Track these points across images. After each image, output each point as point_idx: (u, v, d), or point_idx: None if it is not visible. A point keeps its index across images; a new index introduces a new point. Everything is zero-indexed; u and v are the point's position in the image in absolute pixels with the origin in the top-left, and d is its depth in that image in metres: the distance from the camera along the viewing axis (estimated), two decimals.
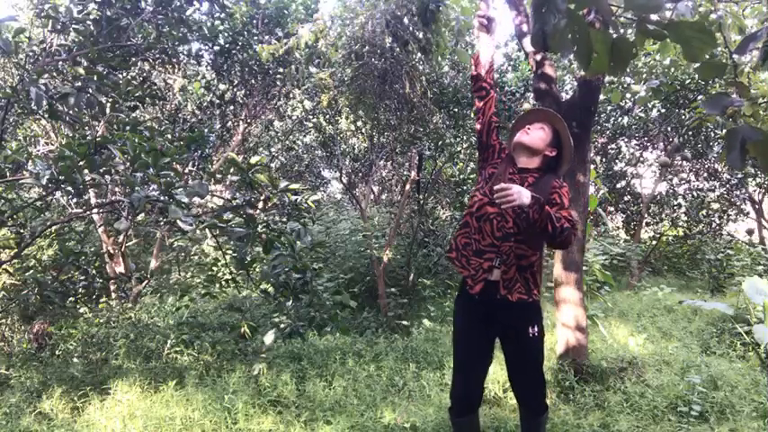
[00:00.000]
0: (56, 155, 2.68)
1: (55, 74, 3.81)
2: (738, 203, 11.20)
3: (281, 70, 6.90)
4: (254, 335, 4.91)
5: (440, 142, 6.82)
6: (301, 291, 3.36)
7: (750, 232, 11.52)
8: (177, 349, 4.67)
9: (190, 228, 2.57)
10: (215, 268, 5.45)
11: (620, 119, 9.96)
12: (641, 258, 9.63)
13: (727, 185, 10.71)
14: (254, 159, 2.89)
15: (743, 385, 3.72)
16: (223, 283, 4.43)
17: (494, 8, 2.70)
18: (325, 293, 5.01)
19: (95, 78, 3.13)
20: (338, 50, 5.10)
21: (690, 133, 9.27)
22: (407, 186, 7.31)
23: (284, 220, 3.26)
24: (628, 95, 8.18)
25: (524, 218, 2.16)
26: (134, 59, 4.60)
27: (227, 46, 6.41)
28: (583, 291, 3.98)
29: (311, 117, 8.49)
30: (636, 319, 6.25)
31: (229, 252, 4.01)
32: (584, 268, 5.34)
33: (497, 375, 3.81)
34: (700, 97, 7.09)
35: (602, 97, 6.54)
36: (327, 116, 7.66)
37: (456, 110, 6.54)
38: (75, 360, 4.52)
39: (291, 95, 7.91)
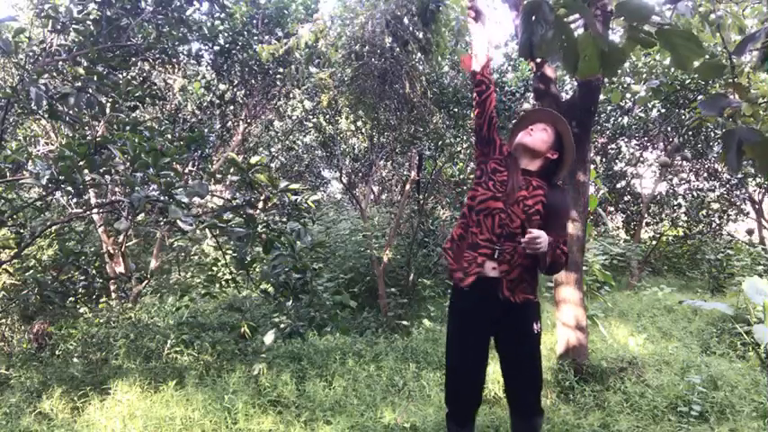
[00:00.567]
0: (56, 155, 2.69)
1: (55, 74, 3.81)
2: (738, 203, 11.20)
3: (281, 70, 6.90)
4: (254, 335, 4.91)
5: (440, 142, 6.82)
6: (301, 291, 3.36)
7: (750, 232, 11.52)
8: (177, 349, 4.67)
9: (190, 228, 2.57)
10: (215, 268, 5.45)
11: (620, 119, 9.97)
12: (641, 258, 9.63)
13: (727, 185, 10.71)
14: (254, 159, 2.89)
15: (743, 385, 3.72)
16: (223, 283, 4.43)
17: (487, 5, 2.66)
18: (326, 293, 5.01)
19: (95, 78, 3.12)
20: (338, 50, 5.10)
21: (690, 133, 9.27)
22: (407, 186, 7.31)
23: (284, 220, 3.26)
24: (628, 95, 8.18)
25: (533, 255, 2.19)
26: (134, 59, 4.60)
27: (227, 46, 6.41)
28: (583, 291, 3.98)
29: (311, 117, 8.50)
30: (636, 319, 6.25)
31: (229, 252, 4.01)
32: (584, 268, 5.34)
33: (497, 375, 3.81)
34: (700, 97, 7.09)
35: (602, 97, 6.55)
36: (327, 116, 7.67)
37: (456, 110, 6.54)
38: (75, 360, 4.52)
39: (291, 95, 7.92)
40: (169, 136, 5.70)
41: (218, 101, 7.35)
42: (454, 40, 5.29)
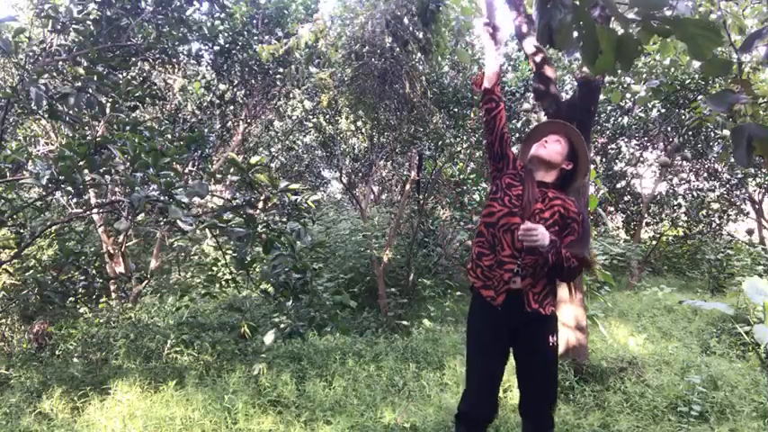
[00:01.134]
0: (56, 155, 2.69)
1: (55, 74, 3.81)
2: (738, 203, 11.20)
3: (281, 70, 6.90)
4: (254, 335, 4.91)
5: (440, 142, 6.82)
6: (301, 291, 3.36)
7: (750, 232, 11.52)
8: (177, 349, 4.67)
9: (190, 228, 2.57)
10: (215, 268, 5.45)
11: (620, 119, 9.96)
12: (641, 258, 9.63)
13: (727, 185, 10.71)
14: (254, 159, 2.89)
15: (743, 385, 3.72)
16: (223, 283, 4.42)
17: (497, 14, 2.65)
18: (326, 293, 5.01)
19: (95, 78, 3.12)
20: (338, 50, 5.10)
21: (690, 133, 9.27)
22: (407, 186, 7.31)
23: (284, 220, 3.26)
24: (628, 95, 8.18)
25: (538, 253, 2.19)
26: (134, 59, 4.60)
27: (227, 46, 6.41)
28: (583, 291, 3.98)
29: (311, 117, 8.49)
30: (636, 319, 6.25)
31: (229, 252, 4.00)
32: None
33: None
34: (700, 97, 7.09)
35: (602, 97, 6.55)
36: (327, 116, 7.67)
37: (456, 110, 6.54)
38: (75, 360, 4.52)
39: (291, 95, 7.92)
40: (169, 136, 5.70)
41: (218, 101, 7.34)
42: (454, 40, 5.29)
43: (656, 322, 6.01)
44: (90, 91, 3.09)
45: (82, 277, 3.79)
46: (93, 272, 3.88)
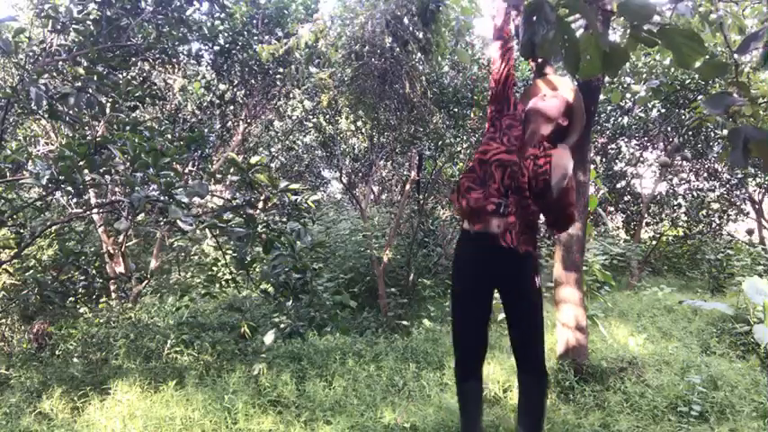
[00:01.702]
0: (56, 155, 2.69)
1: (55, 74, 3.81)
2: (738, 203, 11.20)
3: (281, 70, 6.90)
4: (254, 335, 4.91)
5: (440, 142, 6.83)
6: (301, 291, 3.37)
7: (750, 232, 11.52)
8: (177, 349, 4.67)
9: (190, 228, 2.57)
10: (215, 268, 5.45)
11: (620, 119, 9.96)
12: (641, 258, 9.63)
13: (727, 185, 10.71)
14: (254, 159, 2.89)
15: (743, 385, 3.72)
16: (223, 283, 4.43)
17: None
18: (326, 293, 5.01)
19: (95, 78, 3.12)
20: (338, 50, 5.10)
21: (690, 133, 9.27)
22: (407, 186, 7.31)
23: (284, 220, 3.26)
24: (628, 95, 8.19)
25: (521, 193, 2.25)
26: (134, 59, 4.60)
27: (227, 46, 6.41)
28: (583, 291, 3.98)
29: (311, 117, 8.49)
30: (636, 319, 6.24)
31: (229, 252, 4.01)
32: (584, 268, 5.34)
33: (497, 375, 3.81)
34: (700, 97, 7.09)
35: (602, 97, 6.55)
36: (327, 116, 7.67)
37: (456, 110, 6.54)
38: (75, 360, 4.52)
39: (291, 95, 7.91)
40: (169, 136, 5.70)
41: (218, 101, 7.34)
42: (454, 40, 5.29)
43: (656, 322, 6.01)
44: (90, 91, 3.09)
45: (82, 277, 3.79)
46: (93, 272, 3.88)
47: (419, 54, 5.10)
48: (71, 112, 3.22)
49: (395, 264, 7.62)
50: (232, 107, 7.51)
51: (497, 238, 2.29)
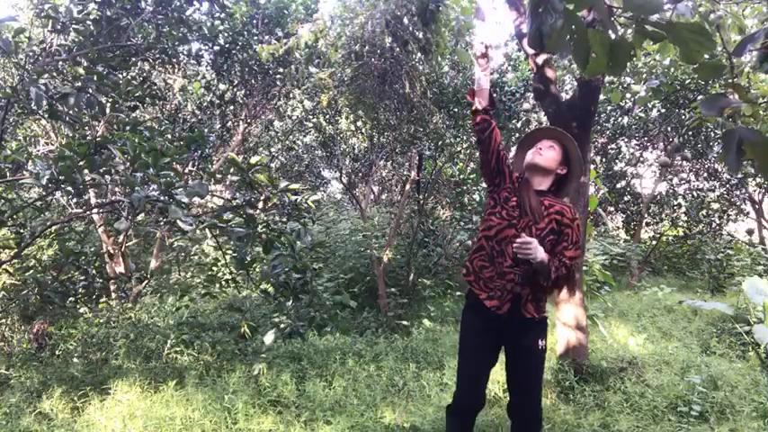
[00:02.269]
0: (56, 155, 2.68)
1: (55, 74, 3.81)
2: (738, 203, 11.19)
3: (281, 70, 6.90)
4: (254, 335, 4.91)
5: (440, 142, 6.82)
6: (301, 291, 3.36)
7: (750, 232, 11.51)
8: (177, 349, 4.67)
9: (190, 228, 2.57)
10: (215, 268, 5.45)
11: (620, 119, 9.96)
12: (641, 258, 9.63)
13: (727, 185, 10.71)
14: (254, 159, 2.89)
15: (743, 385, 3.72)
16: (223, 283, 4.42)
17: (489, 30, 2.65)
18: (326, 293, 5.01)
19: (95, 78, 3.12)
20: (338, 50, 5.10)
21: (690, 133, 9.27)
22: (407, 186, 7.31)
23: (284, 220, 3.26)
24: (628, 95, 8.18)
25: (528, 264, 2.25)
26: (134, 59, 4.60)
27: (227, 46, 6.41)
28: (583, 291, 3.98)
29: (311, 117, 8.49)
30: (636, 319, 6.25)
31: (229, 252, 4.01)
32: (584, 268, 5.35)
33: (497, 375, 3.81)
34: (699, 97, 7.08)
35: (602, 97, 6.55)
36: (327, 116, 7.66)
37: (456, 110, 6.54)
38: (75, 360, 4.52)
39: (291, 95, 7.91)
40: (169, 136, 5.70)
41: (218, 101, 7.34)
42: (454, 40, 5.29)
43: (656, 322, 6.01)
44: (90, 91, 3.09)
45: (82, 277, 3.79)
46: (93, 272, 3.88)
47: (419, 54, 5.09)
48: (71, 112, 3.22)
49: (395, 264, 7.62)
50: (232, 107, 7.51)
51: (519, 310, 2.32)
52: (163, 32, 4.42)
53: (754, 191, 11.14)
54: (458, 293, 7.37)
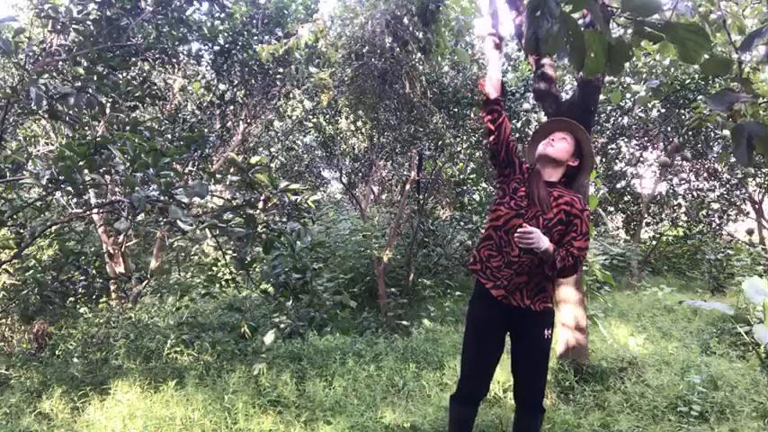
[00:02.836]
0: (56, 155, 2.68)
1: (55, 74, 3.81)
2: (738, 203, 11.19)
3: (281, 70, 6.90)
4: (254, 335, 4.91)
5: (440, 142, 6.82)
6: (301, 291, 3.36)
7: (750, 232, 11.50)
8: (177, 349, 4.66)
9: (190, 228, 2.57)
10: (215, 268, 5.45)
11: (620, 119, 9.96)
12: (641, 258, 9.62)
13: (727, 185, 10.71)
14: (254, 159, 2.89)
15: (743, 385, 3.72)
16: (223, 283, 4.43)
17: (501, 23, 2.67)
18: (326, 293, 5.00)
19: (95, 78, 3.12)
20: (338, 50, 5.09)
21: (690, 133, 9.27)
22: (407, 186, 7.31)
23: (284, 220, 3.26)
24: (628, 95, 8.19)
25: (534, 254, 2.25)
26: (134, 59, 4.60)
27: (227, 46, 6.41)
28: (583, 291, 3.99)
29: (311, 117, 8.48)
30: (636, 319, 6.25)
31: (229, 252, 4.00)
32: (584, 268, 5.34)
33: (497, 375, 3.80)
34: (700, 97, 7.09)
35: (602, 97, 6.54)
36: (327, 116, 7.66)
37: (456, 110, 6.54)
38: (75, 360, 4.52)
39: (291, 95, 7.91)
40: (169, 136, 5.70)
41: (218, 101, 7.34)
42: (454, 40, 5.29)
43: (656, 322, 6.01)
44: (90, 91, 3.09)
45: (82, 277, 3.79)
46: (93, 272, 3.88)
47: (419, 54, 5.09)
48: (71, 112, 3.22)
49: (395, 264, 7.62)
50: (232, 107, 7.51)
51: (516, 300, 2.34)
52: (163, 32, 4.42)
53: (754, 191, 11.14)
54: (458, 293, 7.37)
